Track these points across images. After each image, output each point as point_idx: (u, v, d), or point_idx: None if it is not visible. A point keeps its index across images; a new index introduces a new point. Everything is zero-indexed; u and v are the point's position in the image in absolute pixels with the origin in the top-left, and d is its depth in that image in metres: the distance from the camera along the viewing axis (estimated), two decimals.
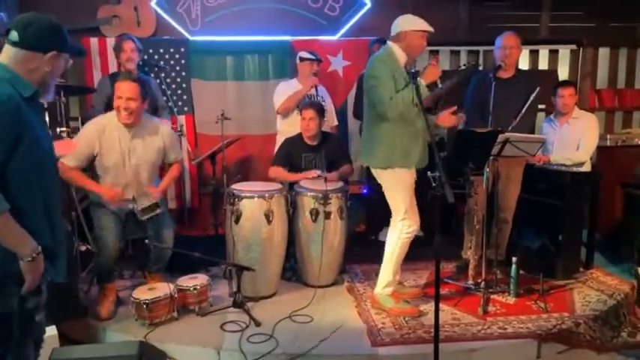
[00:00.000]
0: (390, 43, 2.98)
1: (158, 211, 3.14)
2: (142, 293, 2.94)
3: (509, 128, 3.30)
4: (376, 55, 2.99)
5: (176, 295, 2.99)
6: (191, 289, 3.06)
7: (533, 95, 3.35)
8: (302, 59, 4.05)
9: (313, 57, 4.03)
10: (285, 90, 4.00)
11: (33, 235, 1.56)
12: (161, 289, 2.98)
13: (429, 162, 2.96)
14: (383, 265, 3.12)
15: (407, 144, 2.93)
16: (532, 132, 3.83)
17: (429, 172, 2.13)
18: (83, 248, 3.77)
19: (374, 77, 2.89)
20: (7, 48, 1.63)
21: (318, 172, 3.64)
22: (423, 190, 2.95)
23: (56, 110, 3.66)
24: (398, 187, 2.99)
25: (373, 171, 3.08)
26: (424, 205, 3.02)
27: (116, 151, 3.09)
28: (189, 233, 4.56)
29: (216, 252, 3.47)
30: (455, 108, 3.06)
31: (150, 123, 3.24)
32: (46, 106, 4.41)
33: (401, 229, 3.02)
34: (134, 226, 3.24)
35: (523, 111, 3.35)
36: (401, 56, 2.94)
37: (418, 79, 2.76)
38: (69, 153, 2.96)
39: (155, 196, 3.16)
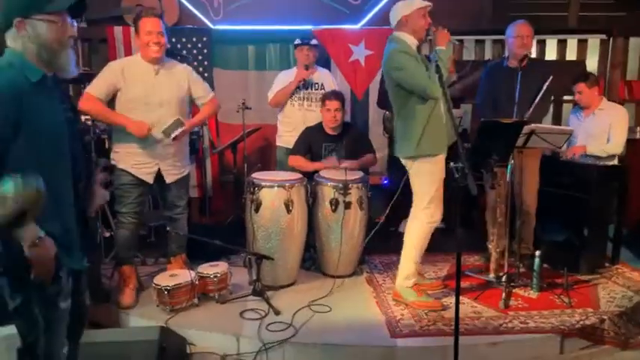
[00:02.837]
0: (396, 33, 2.95)
1: (182, 128, 3.02)
2: (164, 279, 2.98)
3: (524, 118, 3.23)
4: (390, 48, 2.92)
5: (197, 282, 3.02)
6: (211, 276, 3.09)
7: (546, 84, 3.26)
8: (295, 46, 3.99)
9: (303, 41, 3.90)
10: (283, 81, 3.96)
11: (38, 222, 1.50)
12: (182, 275, 3.01)
13: (452, 152, 2.91)
14: (403, 255, 3.09)
15: (438, 130, 2.89)
16: (552, 122, 3.74)
17: (451, 163, 2.09)
18: (107, 234, 3.85)
19: (399, 69, 2.85)
20: (7, 35, 1.55)
21: (334, 159, 3.60)
22: (446, 181, 2.93)
23: (78, 99, 3.69)
24: (424, 176, 2.95)
25: (403, 160, 3.05)
26: (446, 196, 2.99)
27: (140, 85, 3.00)
28: (210, 222, 4.60)
29: (236, 240, 3.49)
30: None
31: (172, 63, 3.19)
32: (70, 93, 4.54)
33: (424, 219, 2.98)
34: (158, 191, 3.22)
35: (537, 100, 3.27)
36: (411, 41, 2.91)
37: (436, 47, 2.77)
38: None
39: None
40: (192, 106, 3.30)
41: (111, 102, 3.07)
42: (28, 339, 1.60)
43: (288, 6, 4.69)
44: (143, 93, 3.01)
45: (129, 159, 3.05)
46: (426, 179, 2.95)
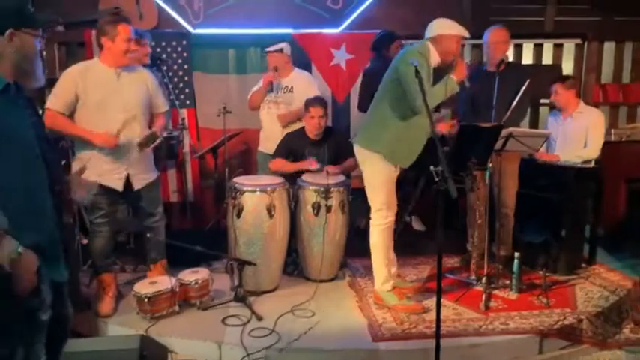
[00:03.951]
0: (428, 42, 2.95)
1: (158, 141, 2.99)
2: (144, 287, 2.95)
3: (502, 122, 3.28)
4: (414, 47, 2.93)
5: (177, 289, 2.99)
6: (192, 283, 3.06)
7: (523, 87, 3.32)
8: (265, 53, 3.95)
9: (270, 50, 3.86)
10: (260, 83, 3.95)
11: (16, 235, 1.46)
12: (162, 282, 2.98)
13: (432, 157, 2.94)
14: (373, 261, 3.13)
15: (410, 142, 2.92)
16: (530, 125, 3.81)
17: (431, 167, 2.11)
18: (85, 241, 3.77)
19: (409, 65, 2.81)
20: None
21: (315, 162, 3.60)
22: (425, 185, 2.95)
23: None
24: (381, 177, 2.98)
25: (361, 151, 3.02)
26: (427, 200, 3.03)
27: (102, 90, 2.88)
28: (191, 227, 4.56)
29: (218, 246, 3.46)
30: (455, 122, 3.10)
31: (133, 66, 3.08)
32: (46, 98, 4.46)
33: (379, 221, 3.04)
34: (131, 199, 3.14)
35: (514, 104, 3.32)
36: (434, 57, 2.93)
37: (449, 75, 2.81)
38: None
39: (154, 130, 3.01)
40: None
41: None
42: (6, 351, 1.56)
43: (268, 10, 4.68)
44: (105, 97, 2.89)
45: (95, 167, 2.85)
46: (381, 180, 2.98)
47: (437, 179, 2.07)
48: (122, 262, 3.75)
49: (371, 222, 3.08)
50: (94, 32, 4.36)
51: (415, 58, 2.73)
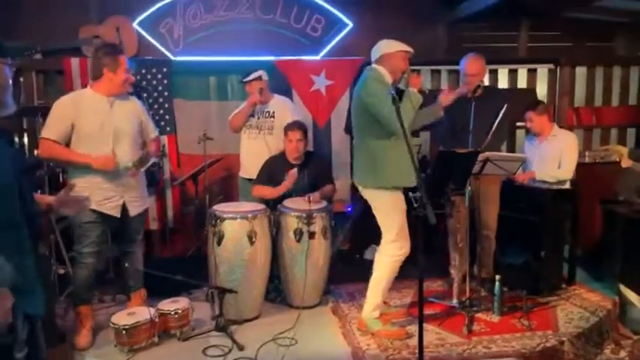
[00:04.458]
0: (375, 65, 3.02)
1: (151, 161, 3.10)
2: (122, 318, 2.88)
3: (483, 146, 3.34)
4: (367, 76, 3.00)
5: (157, 320, 2.93)
6: (172, 313, 3.00)
7: (502, 112, 3.39)
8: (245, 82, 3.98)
9: (249, 79, 3.88)
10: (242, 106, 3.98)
11: None
12: (141, 313, 2.92)
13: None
14: (370, 287, 3.09)
15: (402, 164, 2.94)
16: (507, 148, 3.87)
17: (410, 193, 2.13)
18: (61, 271, 3.70)
19: (373, 95, 2.89)
20: None
21: (293, 173, 3.61)
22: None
23: (35, 133, 3.60)
24: (392, 208, 2.97)
25: (364, 190, 3.07)
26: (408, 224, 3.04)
27: (96, 118, 2.93)
28: (171, 255, 4.49)
29: (198, 274, 3.42)
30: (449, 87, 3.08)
31: (125, 96, 3.14)
32: (25, 126, 4.41)
33: (392, 252, 3.01)
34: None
35: (493, 128, 3.39)
36: (387, 77, 2.99)
37: (409, 88, 2.88)
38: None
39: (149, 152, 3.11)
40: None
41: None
42: None
43: (249, 37, 4.73)
44: (100, 126, 2.95)
45: (92, 195, 2.82)
46: (393, 212, 2.98)
47: (415, 205, 2.08)
48: (100, 292, 3.67)
49: (381, 251, 3.05)
50: (73, 60, 4.39)
51: (378, 87, 2.84)
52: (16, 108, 1.69)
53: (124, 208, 3.04)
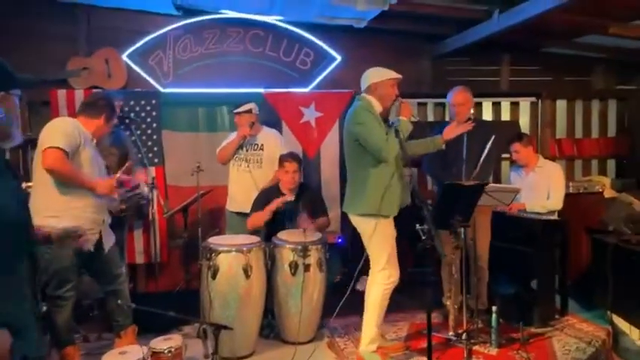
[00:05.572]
0: (364, 95, 3.06)
1: (139, 190, 3.22)
2: (113, 358, 2.75)
3: (472, 177, 3.38)
4: (357, 105, 3.03)
5: (149, 359, 2.80)
6: (165, 351, 2.87)
7: (489, 143, 3.46)
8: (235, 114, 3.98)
9: (240, 110, 3.88)
10: (231, 137, 3.98)
11: None
12: (133, 353, 2.78)
13: (417, 215, 2.98)
14: (365, 319, 3.06)
15: (392, 192, 2.95)
16: (495, 179, 3.93)
17: (417, 225, 2.13)
18: (44, 309, 3.53)
19: (362, 124, 2.92)
20: None
21: (288, 194, 3.62)
22: (411, 243, 2.96)
23: (20, 165, 3.50)
24: (380, 237, 2.97)
25: (353, 218, 3.06)
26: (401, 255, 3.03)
27: (88, 149, 2.87)
28: (158, 289, 4.36)
29: (187, 309, 3.28)
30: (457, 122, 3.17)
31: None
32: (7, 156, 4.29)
33: (381, 281, 2.99)
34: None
35: (482, 160, 3.45)
36: (377, 106, 3.02)
37: (399, 117, 2.90)
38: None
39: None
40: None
41: None
42: None
43: (238, 70, 4.77)
44: (89, 157, 2.88)
45: (84, 224, 2.80)
46: (381, 239, 2.98)
47: (423, 237, 2.07)
48: (85, 330, 3.52)
49: (371, 279, 3.04)
50: (59, 92, 4.33)
51: (366, 116, 2.88)
52: (22, 140, 1.65)
53: (99, 242, 2.93)
